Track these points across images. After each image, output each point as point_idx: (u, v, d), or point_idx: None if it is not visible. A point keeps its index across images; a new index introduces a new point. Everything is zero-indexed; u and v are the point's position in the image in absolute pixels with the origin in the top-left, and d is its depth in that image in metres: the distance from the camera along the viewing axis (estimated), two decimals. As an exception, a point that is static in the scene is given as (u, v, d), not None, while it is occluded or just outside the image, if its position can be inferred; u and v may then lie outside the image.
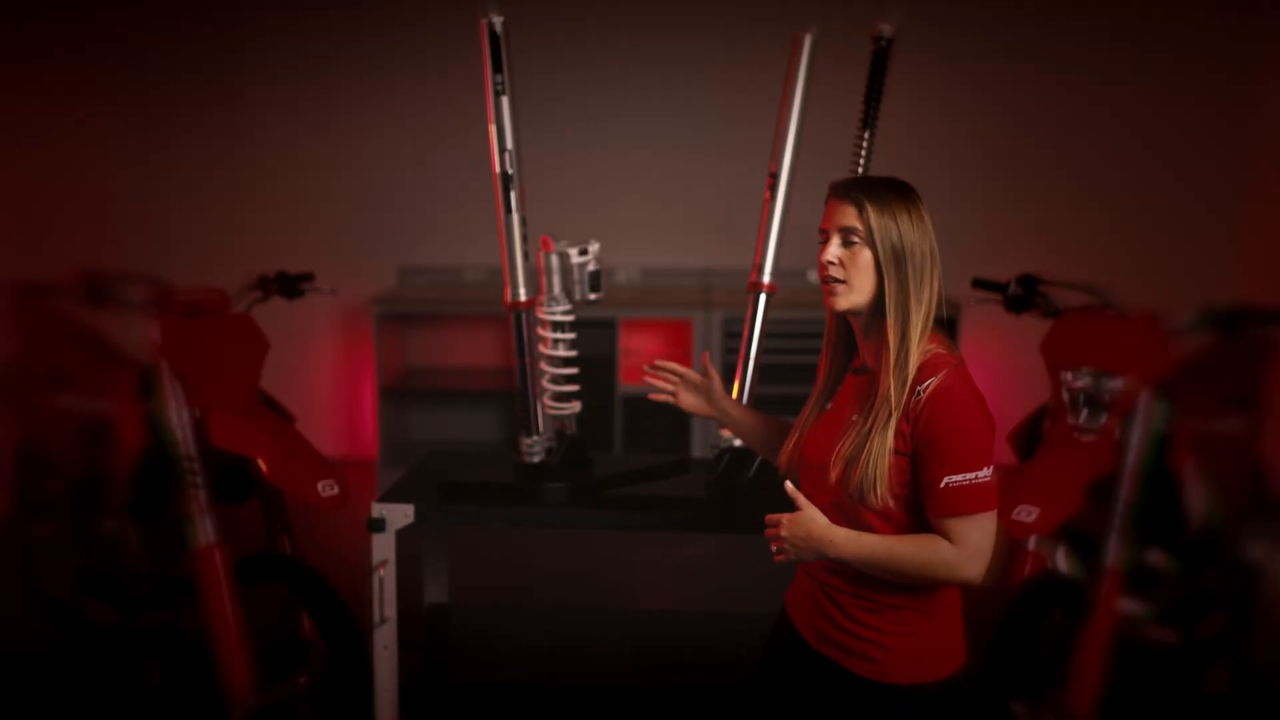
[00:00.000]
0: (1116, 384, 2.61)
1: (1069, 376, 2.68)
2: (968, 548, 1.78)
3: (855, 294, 1.87)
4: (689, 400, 2.28)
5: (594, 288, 2.59)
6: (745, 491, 2.60)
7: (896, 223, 1.84)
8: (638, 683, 3.09)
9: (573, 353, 2.65)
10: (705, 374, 2.28)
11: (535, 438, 2.63)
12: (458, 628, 3.22)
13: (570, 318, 2.62)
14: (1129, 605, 2.54)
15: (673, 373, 2.29)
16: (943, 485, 1.77)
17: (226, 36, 5.68)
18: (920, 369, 1.82)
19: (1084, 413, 2.66)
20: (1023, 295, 2.90)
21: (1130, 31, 5.49)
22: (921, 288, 1.84)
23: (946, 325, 1.91)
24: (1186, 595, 2.68)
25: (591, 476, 2.69)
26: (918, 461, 1.81)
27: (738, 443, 2.67)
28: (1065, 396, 2.70)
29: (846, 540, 1.81)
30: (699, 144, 5.64)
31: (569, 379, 2.67)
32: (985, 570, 1.80)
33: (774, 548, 1.86)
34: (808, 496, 1.90)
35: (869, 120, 2.68)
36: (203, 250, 5.63)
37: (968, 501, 1.77)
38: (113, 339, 2.90)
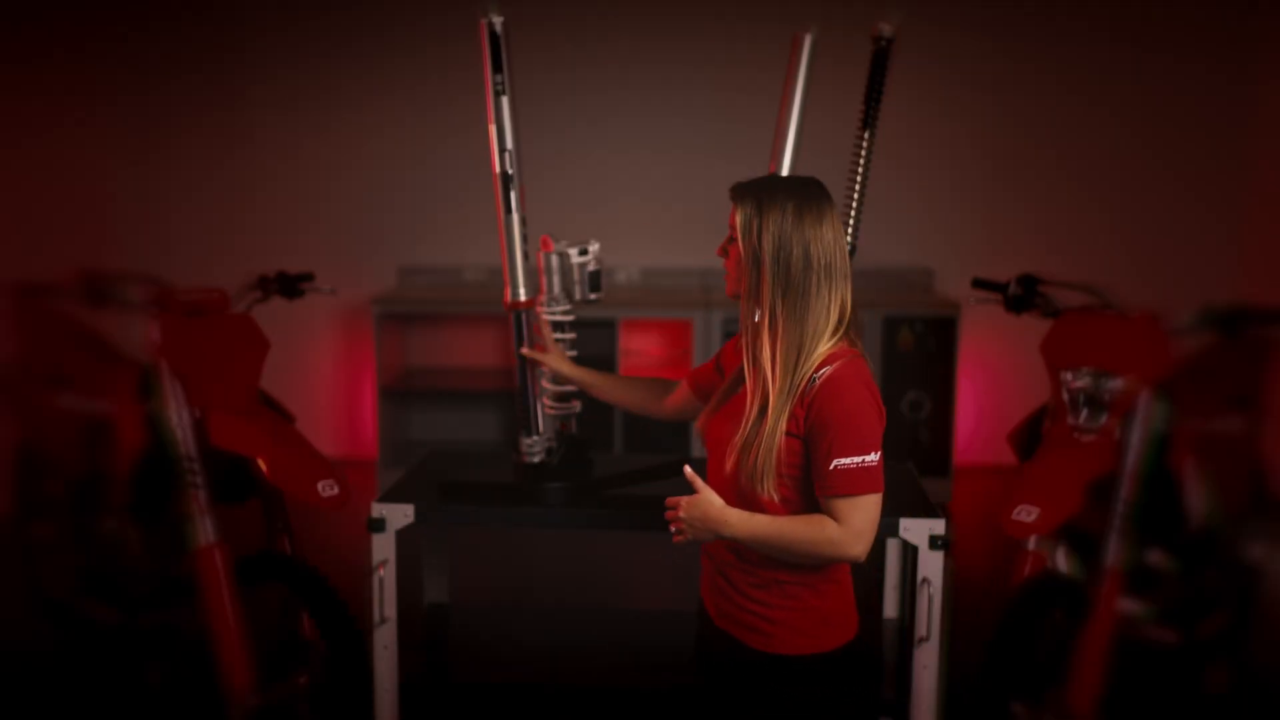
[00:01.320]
0: (1116, 384, 2.62)
1: (1069, 376, 2.68)
2: (853, 527, 1.86)
3: (731, 285, 1.97)
4: (561, 365, 2.54)
5: (594, 288, 2.59)
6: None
7: (765, 223, 1.89)
8: (638, 683, 3.09)
9: (573, 353, 2.65)
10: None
11: (535, 438, 2.63)
12: (458, 628, 3.22)
13: (570, 318, 2.62)
14: (1129, 605, 2.54)
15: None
16: (831, 467, 1.85)
17: (226, 36, 5.68)
18: (819, 363, 1.88)
19: (1084, 413, 2.66)
20: (1023, 295, 2.90)
21: (1130, 31, 5.50)
22: (792, 287, 1.87)
23: (858, 331, 1.95)
24: (1186, 595, 2.68)
25: (591, 476, 2.69)
26: (810, 444, 1.88)
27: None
28: (1065, 396, 2.70)
29: (739, 520, 1.89)
30: (699, 144, 5.64)
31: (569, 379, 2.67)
32: (868, 549, 1.88)
33: (673, 529, 1.95)
34: (711, 474, 2.02)
35: (869, 120, 2.68)
36: (203, 250, 5.64)
37: (854, 483, 1.85)
38: (113, 339, 2.90)
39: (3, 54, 5.49)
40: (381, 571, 2.57)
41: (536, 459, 2.63)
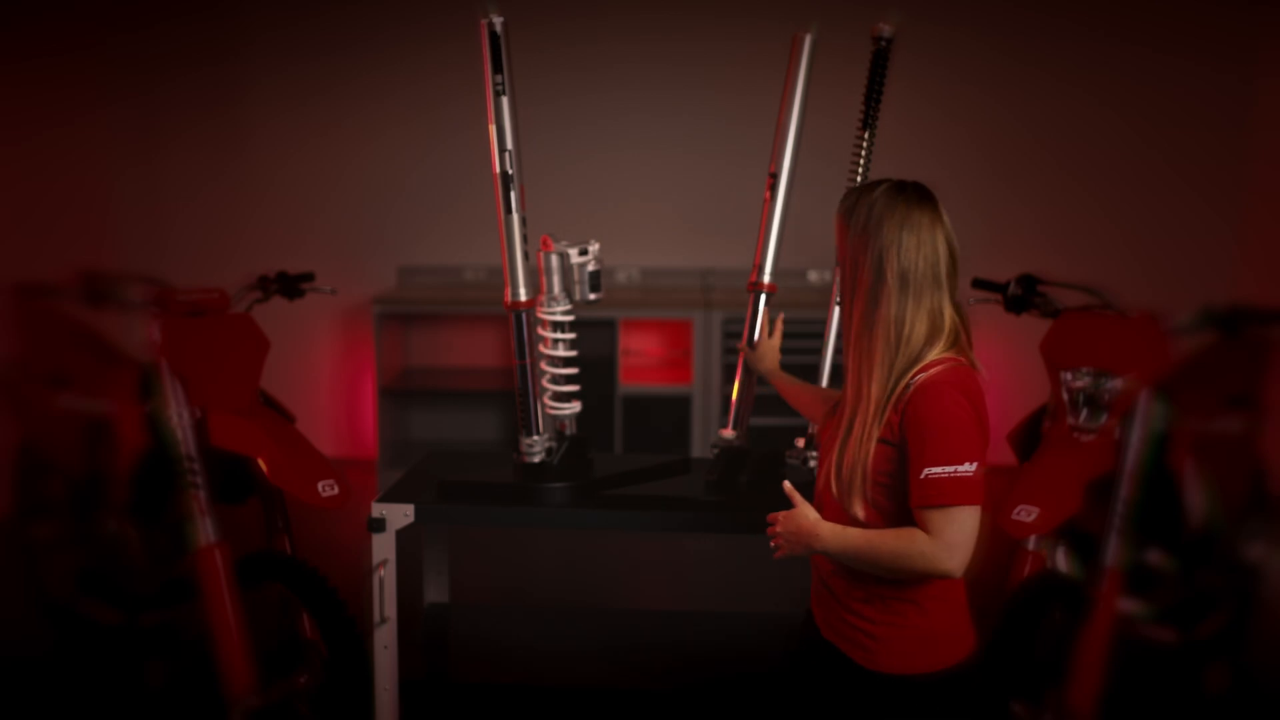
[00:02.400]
0: (1116, 384, 2.62)
1: (1068, 376, 2.68)
2: (944, 540, 1.78)
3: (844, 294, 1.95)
4: (751, 355, 2.60)
5: (594, 288, 2.59)
6: (745, 491, 2.60)
7: (859, 231, 1.86)
8: (638, 683, 3.09)
9: (573, 353, 2.65)
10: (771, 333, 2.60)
11: (535, 438, 2.63)
12: (458, 628, 3.22)
13: (570, 318, 2.62)
14: (1129, 605, 2.54)
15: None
16: (923, 475, 1.79)
17: (226, 36, 5.68)
18: (916, 370, 1.84)
19: (1084, 413, 2.66)
20: (1022, 295, 2.90)
21: (1130, 31, 5.50)
22: (888, 297, 1.84)
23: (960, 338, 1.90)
24: (1186, 595, 2.68)
25: (591, 476, 2.69)
26: (904, 451, 1.83)
27: (738, 442, 2.67)
28: (1065, 396, 2.70)
29: (830, 534, 1.87)
30: (699, 144, 5.64)
31: (569, 379, 2.67)
32: (964, 564, 1.80)
33: (772, 544, 1.95)
34: (821, 483, 1.98)
35: (869, 120, 2.68)
36: (203, 250, 5.64)
37: (947, 493, 1.78)
38: (113, 339, 2.90)
39: (3, 53, 5.49)
40: (381, 571, 2.57)
41: (536, 459, 2.63)
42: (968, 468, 1.78)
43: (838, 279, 2.69)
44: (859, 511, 1.86)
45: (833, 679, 1.96)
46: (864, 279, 1.84)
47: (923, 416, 1.80)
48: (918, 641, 1.89)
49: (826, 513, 1.93)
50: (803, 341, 4.73)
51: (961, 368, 1.85)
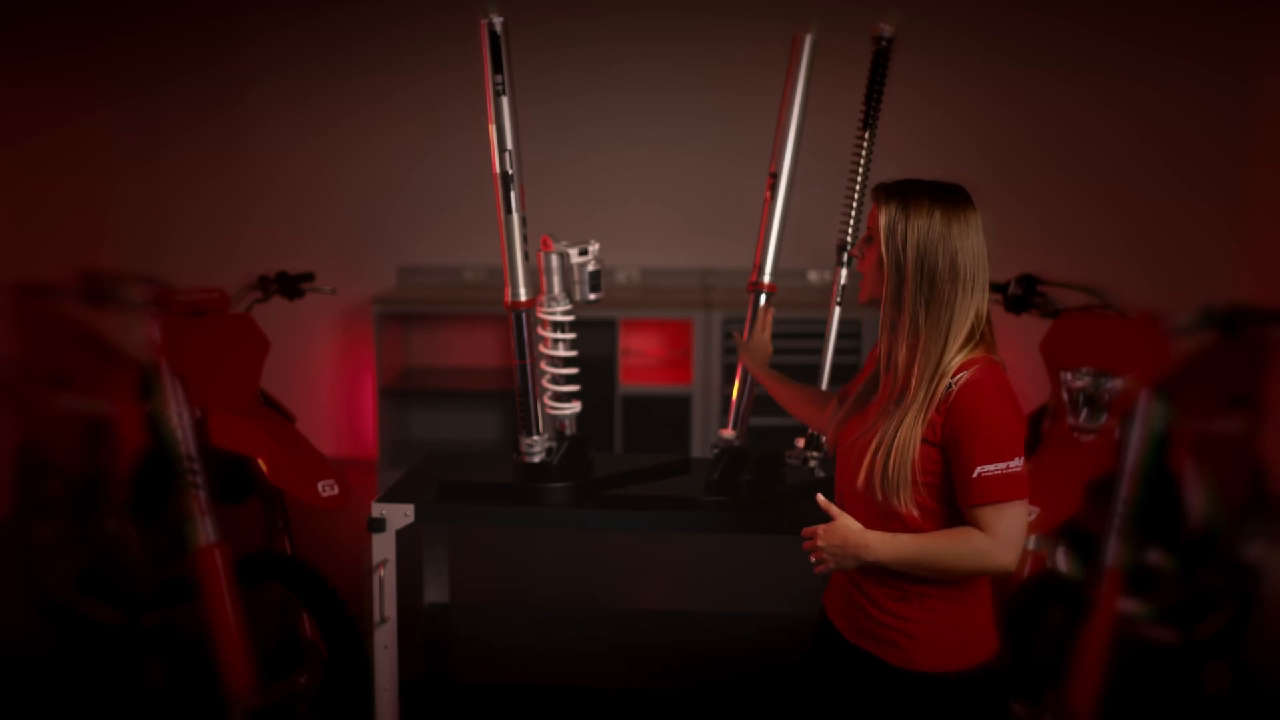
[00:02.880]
0: (1116, 384, 2.62)
1: (1068, 376, 2.68)
2: (1000, 536, 1.81)
3: (869, 289, 1.92)
4: (747, 356, 2.58)
5: (594, 288, 2.59)
6: (745, 491, 2.59)
7: (910, 227, 1.85)
8: (638, 683, 3.09)
9: (573, 353, 2.65)
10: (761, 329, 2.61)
11: (535, 438, 2.63)
12: (458, 628, 3.22)
13: (570, 318, 2.62)
14: (1129, 605, 2.54)
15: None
16: (975, 475, 1.80)
17: (226, 36, 5.68)
18: (955, 369, 1.85)
19: (1084, 413, 2.66)
20: (1022, 295, 2.90)
21: (1130, 31, 5.49)
22: (936, 294, 1.85)
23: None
24: (1186, 595, 2.68)
25: (591, 476, 2.69)
26: (949, 453, 1.83)
27: (738, 442, 2.67)
28: (1065, 396, 2.70)
29: (881, 543, 1.85)
30: (699, 144, 5.64)
31: (569, 379, 2.67)
32: (1018, 558, 1.83)
33: (813, 559, 1.90)
34: (841, 484, 1.96)
35: (869, 120, 2.68)
36: (203, 250, 5.63)
37: (1000, 490, 1.79)
38: (113, 339, 2.90)
39: (3, 53, 5.49)
40: (381, 571, 2.57)
41: (536, 459, 2.63)
42: (1016, 463, 1.81)
43: (841, 277, 2.69)
44: (909, 509, 1.85)
45: (866, 683, 1.94)
46: (936, 276, 1.85)
47: (970, 416, 1.81)
48: (953, 638, 1.90)
49: (856, 516, 1.91)
50: (803, 341, 4.74)
51: (995, 365, 1.87)
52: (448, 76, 5.53)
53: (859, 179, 2.67)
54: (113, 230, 5.63)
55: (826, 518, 1.89)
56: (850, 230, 2.69)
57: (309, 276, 3.14)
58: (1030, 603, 2.62)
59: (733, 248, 5.52)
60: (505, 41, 2.48)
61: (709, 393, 5.24)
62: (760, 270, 2.66)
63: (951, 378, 1.83)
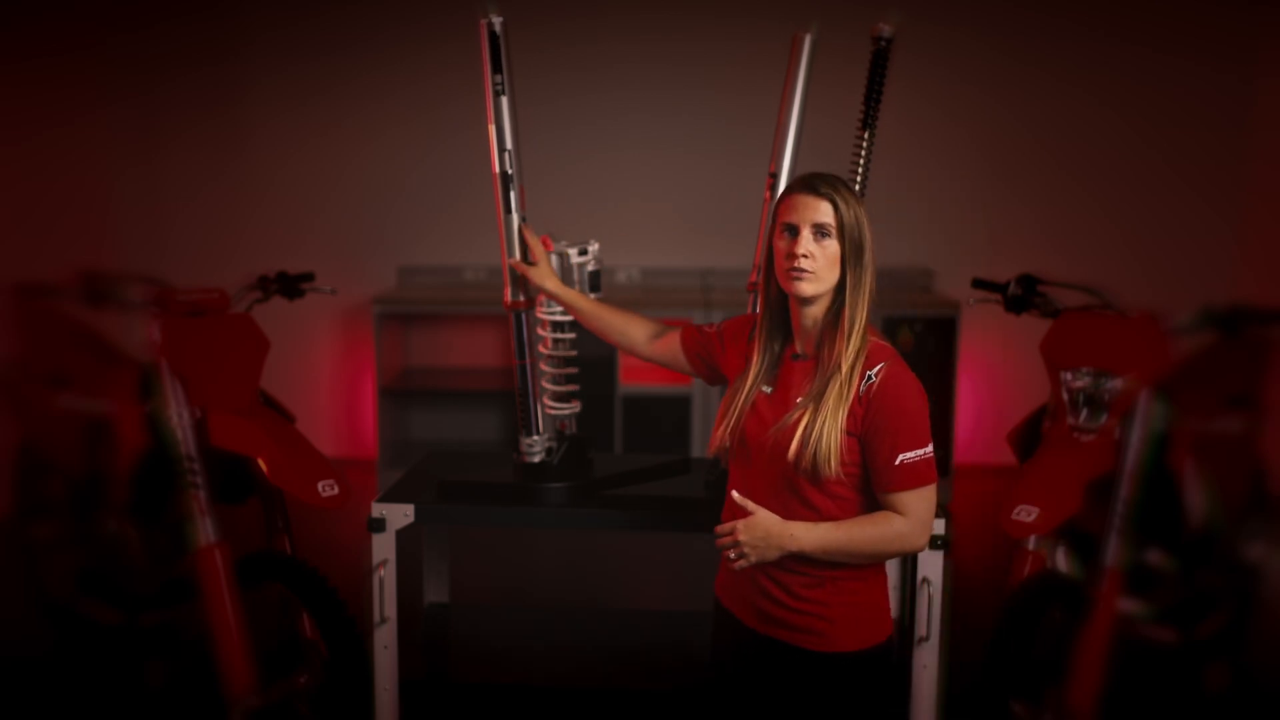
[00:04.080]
0: (1116, 384, 2.62)
1: (1069, 376, 2.69)
2: (919, 518, 1.92)
3: (822, 283, 1.95)
4: (547, 282, 2.46)
5: (594, 288, 2.59)
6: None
7: (858, 219, 1.95)
8: (638, 683, 3.09)
9: (573, 353, 2.65)
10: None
11: (535, 438, 2.63)
12: (458, 628, 3.22)
13: (570, 318, 2.62)
14: (1129, 605, 2.54)
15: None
16: (897, 462, 1.89)
17: (226, 36, 5.68)
18: (867, 356, 1.94)
19: (1084, 413, 2.66)
20: (1022, 295, 2.90)
21: (1129, 31, 5.50)
22: (869, 280, 1.96)
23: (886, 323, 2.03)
24: (1186, 595, 2.68)
25: (591, 476, 2.69)
26: (868, 442, 1.91)
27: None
28: (1065, 396, 2.70)
29: (805, 532, 1.92)
30: (699, 144, 5.64)
31: (569, 379, 2.67)
32: (928, 538, 1.95)
33: (731, 555, 1.94)
34: (749, 477, 2.01)
35: (869, 120, 2.68)
36: (203, 250, 5.64)
37: (918, 476, 1.90)
38: (113, 339, 2.90)
39: (3, 53, 5.49)
40: (381, 571, 2.57)
41: (536, 459, 2.63)
42: (929, 449, 1.92)
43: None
44: (818, 499, 1.92)
45: (782, 672, 2.00)
46: (865, 261, 1.94)
47: (893, 407, 1.90)
48: (866, 616, 1.98)
49: (769, 510, 1.94)
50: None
51: (900, 358, 1.96)
52: (448, 76, 5.53)
53: (859, 179, 2.67)
54: (113, 230, 5.63)
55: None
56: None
57: (309, 276, 3.14)
58: (1030, 603, 2.62)
59: (733, 248, 5.52)
60: (505, 41, 2.48)
61: (709, 393, 5.24)
62: (760, 270, 2.66)
63: (870, 370, 1.91)
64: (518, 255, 2.56)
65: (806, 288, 1.94)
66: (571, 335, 2.63)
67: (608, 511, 2.63)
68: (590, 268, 2.58)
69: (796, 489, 1.94)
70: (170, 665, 3.02)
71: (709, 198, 5.64)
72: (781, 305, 2.06)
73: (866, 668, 1.97)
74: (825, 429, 1.89)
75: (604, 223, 5.31)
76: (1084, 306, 2.80)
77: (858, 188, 2.67)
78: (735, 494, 1.97)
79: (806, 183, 1.96)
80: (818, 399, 1.92)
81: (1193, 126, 5.51)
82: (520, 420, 2.65)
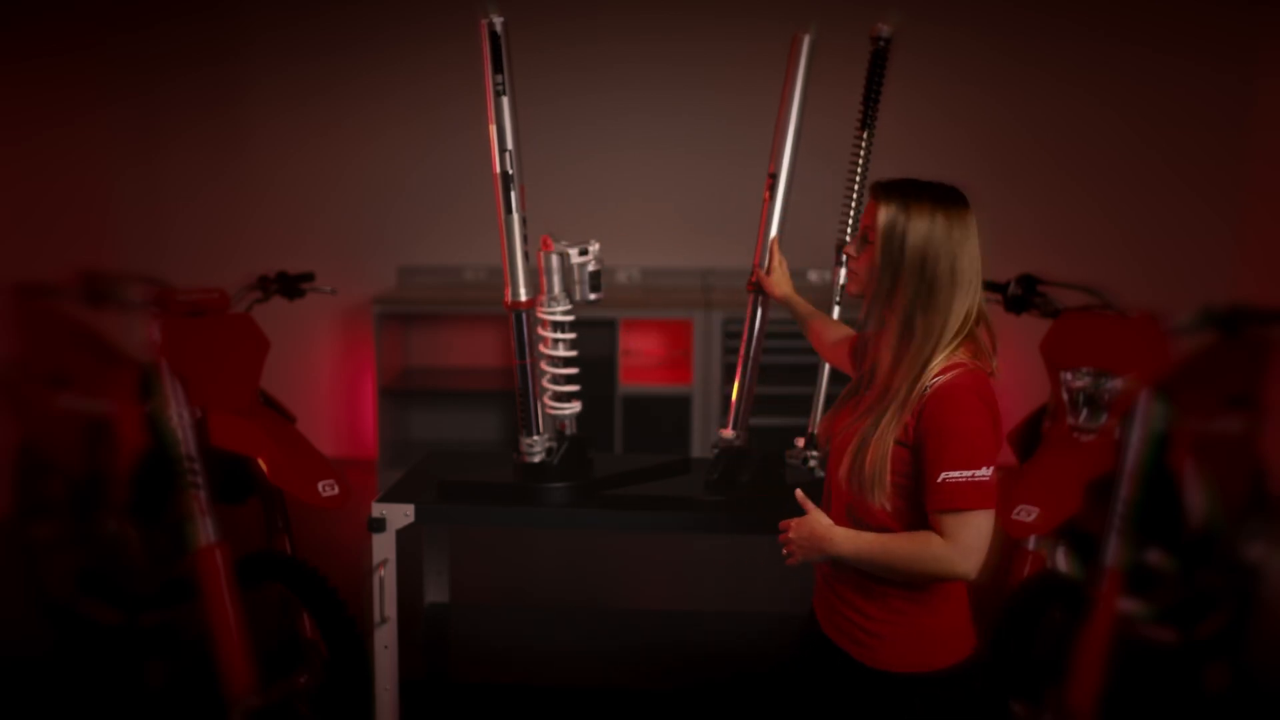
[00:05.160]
0: (1116, 384, 2.62)
1: (1069, 376, 2.68)
2: (960, 543, 1.79)
3: (858, 284, 1.94)
4: (780, 285, 2.58)
5: (594, 288, 2.59)
6: (745, 491, 2.60)
7: (910, 229, 1.83)
8: (638, 683, 3.09)
9: (573, 353, 2.65)
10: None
11: (535, 438, 2.63)
12: (458, 628, 3.22)
13: (570, 318, 2.62)
14: (1129, 605, 2.54)
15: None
16: (940, 480, 1.79)
17: (226, 36, 5.68)
18: (935, 371, 1.84)
19: (1084, 413, 2.66)
20: (1022, 295, 2.90)
21: (1130, 31, 5.49)
22: (933, 297, 1.83)
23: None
24: (1186, 595, 2.68)
25: (591, 476, 2.69)
26: (918, 454, 1.83)
27: (738, 442, 2.67)
28: (1065, 396, 2.70)
29: (844, 539, 1.88)
30: (699, 144, 5.64)
31: (569, 379, 2.67)
32: (978, 567, 1.81)
33: (785, 551, 1.95)
34: (830, 476, 1.97)
35: (868, 120, 2.69)
36: (203, 250, 5.64)
37: (962, 497, 1.78)
38: (113, 339, 2.90)
39: (3, 53, 5.49)
40: (381, 571, 2.57)
41: (536, 459, 2.63)
42: (984, 472, 1.79)
43: (840, 277, 2.69)
44: (883, 506, 1.85)
45: (834, 675, 1.97)
46: (936, 279, 1.82)
47: (940, 421, 1.80)
48: (917, 639, 1.89)
49: (836, 510, 1.94)
50: (803, 341, 4.73)
51: (977, 372, 1.84)
52: (448, 76, 5.53)
53: (858, 179, 2.67)
54: (113, 230, 5.63)
55: None
56: (850, 230, 2.69)
57: (309, 276, 3.14)
58: (1030, 603, 2.62)
59: (733, 248, 5.52)
60: (505, 41, 2.48)
61: (709, 393, 5.24)
62: (760, 270, 2.66)
63: (929, 380, 1.82)
64: (518, 255, 2.56)
65: (851, 285, 1.97)
66: (571, 335, 2.63)
67: (608, 511, 2.63)
68: (590, 268, 2.58)
69: (852, 500, 1.91)
70: (170, 665, 3.02)
71: (709, 198, 5.64)
72: None
73: (913, 692, 1.88)
74: (874, 440, 1.83)
75: (604, 223, 5.31)
76: (1084, 306, 2.80)
77: (857, 188, 2.68)
78: (798, 492, 1.96)
79: (874, 183, 1.92)
80: (868, 410, 1.88)
81: (1193, 126, 5.51)
82: (520, 420, 2.65)
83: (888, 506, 1.85)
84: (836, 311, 2.70)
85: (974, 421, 1.80)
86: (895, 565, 1.84)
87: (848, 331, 2.39)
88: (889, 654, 1.89)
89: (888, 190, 1.87)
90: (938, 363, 1.82)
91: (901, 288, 1.84)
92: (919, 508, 1.85)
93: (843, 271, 2.69)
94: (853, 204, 2.68)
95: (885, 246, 1.84)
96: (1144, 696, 2.71)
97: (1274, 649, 3.26)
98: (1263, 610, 2.89)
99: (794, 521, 1.93)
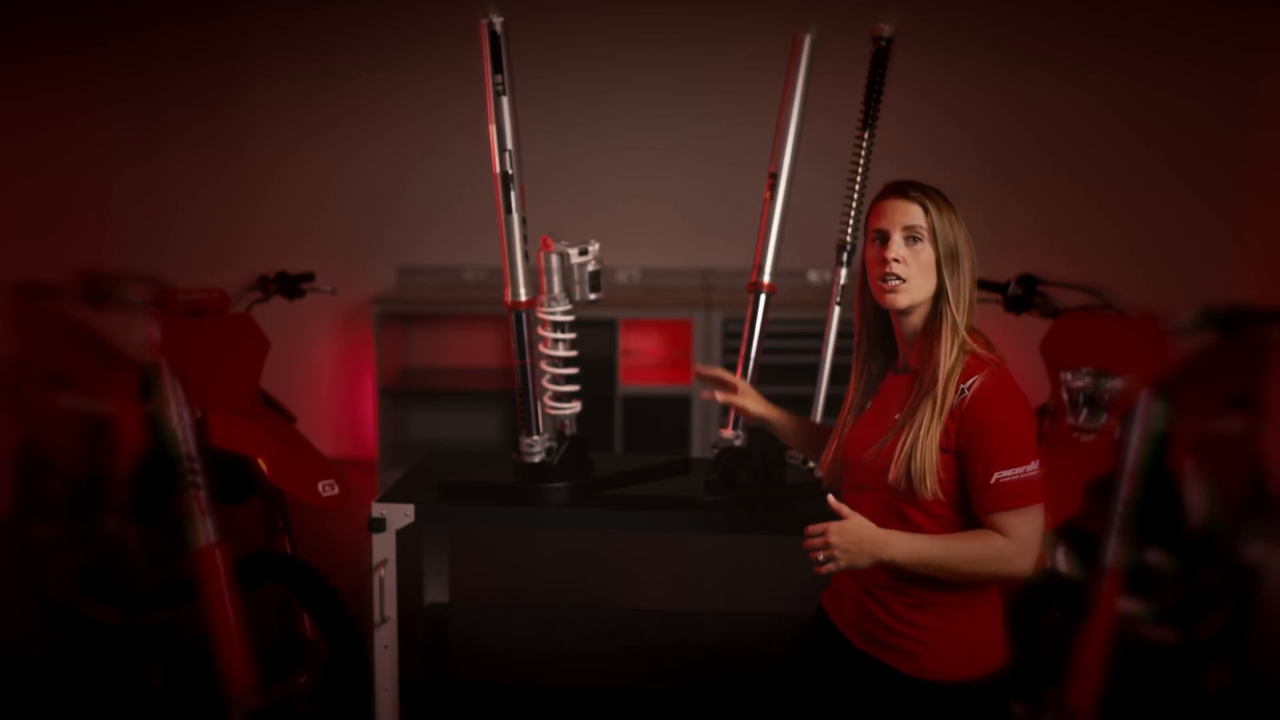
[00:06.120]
0: (1116, 384, 2.61)
1: (1069, 376, 2.68)
2: (1020, 540, 1.80)
3: (916, 292, 1.90)
4: (751, 406, 2.32)
5: (594, 288, 2.59)
6: (745, 491, 2.59)
7: (952, 224, 1.89)
8: (638, 683, 3.09)
9: (573, 353, 2.65)
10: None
11: (535, 438, 2.63)
12: (458, 628, 3.22)
13: (570, 318, 2.62)
14: (1129, 605, 2.54)
15: (723, 380, 2.35)
16: (993, 481, 1.80)
17: (226, 36, 5.68)
18: (964, 369, 1.86)
19: (1084, 413, 2.66)
20: (1022, 295, 2.90)
21: (1130, 31, 5.50)
22: (966, 289, 1.90)
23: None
24: (1186, 595, 2.68)
25: (591, 476, 2.69)
26: (965, 459, 1.83)
27: (738, 442, 2.67)
28: (1065, 396, 2.70)
29: (901, 542, 1.83)
30: (699, 144, 5.64)
31: (569, 379, 2.66)
32: (1035, 562, 1.82)
33: (820, 557, 1.85)
34: (851, 495, 1.95)
35: (869, 120, 2.68)
36: (203, 250, 5.64)
37: (1018, 495, 1.80)
38: (113, 339, 2.90)
39: (3, 53, 5.49)
40: (381, 571, 2.57)
41: (536, 459, 2.63)
42: (1033, 467, 1.81)
43: (840, 277, 2.69)
44: (926, 506, 1.85)
45: (876, 692, 1.93)
46: (964, 269, 1.89)
47: (986, 421, 1.81)
48: (966, 646, 1.89)
49: (873, 516, 1.89)
50: (803, 341, 4.74)
51: (1003, 368, 1.87)
52: (448, 76, 5.53)
53: (858, 179, 2.67)
54: (113, 230, 5.63)
55: (831, 517, 1.88)
56: (850, 230, 2.69)
57: (309, 276, 3.14)
58: (1030, 603, 2.62)
59: (733, 248, 5.52)
60: (505, 41, 2.48)
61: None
62: (760, 270, 2.66)
63: (963, 383, 1.83)
64: (518, 255, 2.56)
65: (900, 299, 1.89)
66: (571, 335, 2.63)
67: (608, 511, 2.62)
68: (590, 268, 2.57)
69: (897, 509, 1.88)
70: (170, 665, 3.02)
71: (709, 198, 5.64)
72: (879, 321, 2.01)
73: (960, 700, 1.87)
74: (921, 447, 1.82)
75: (604, 223, 5.32)
76: (1084, 306, 2.80)
77: (857, 188, 2.68)
78: (831, 498, 1.88)
79: (896, 187, 1.92)
80: (912, 415, 1.86)
81: (1193, 126, 5.51)
82: (520, 420, 2.65)
83: (941, 496, 1.84)
84: (837, 311, 2.69)
85: (1018, 418, 1.83)
86: (958, 566, 1.82)
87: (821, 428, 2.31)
88: (939, 662, 1.87)
89: (924, 191, 1.91)
90: (961, 357, 1.86)
91: (960, 283, 1.89)
92: (962, 512, 1.86)
93: (843, 272, 2.69)
94: (854, 204, 2.68)
95: (943, 243, 1.88)
96: (1144, 696, 2.71)
97: (1274, 649, 3.26)
98: (1263, 610, 2.89)
99: (834, 526, 1.84)
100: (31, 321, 3.06)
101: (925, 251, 1.88)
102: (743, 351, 2.68)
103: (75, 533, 3.03)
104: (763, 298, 2.66)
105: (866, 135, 2.68)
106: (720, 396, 2.36)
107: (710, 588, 4.30)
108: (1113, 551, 2.49)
